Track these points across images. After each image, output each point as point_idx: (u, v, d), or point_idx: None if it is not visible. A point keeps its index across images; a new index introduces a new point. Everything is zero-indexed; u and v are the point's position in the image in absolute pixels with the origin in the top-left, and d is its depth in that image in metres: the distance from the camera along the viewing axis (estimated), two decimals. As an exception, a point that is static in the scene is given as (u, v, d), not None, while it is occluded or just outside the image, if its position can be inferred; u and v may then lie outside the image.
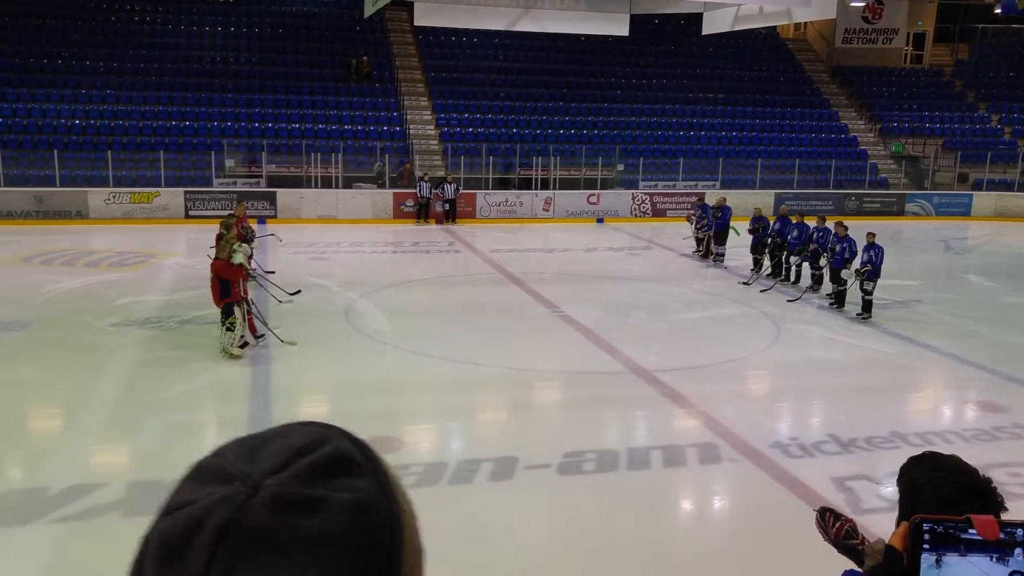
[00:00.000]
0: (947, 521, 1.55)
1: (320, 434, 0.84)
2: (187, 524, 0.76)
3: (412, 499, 0.88)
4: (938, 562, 1.57)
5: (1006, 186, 32.94)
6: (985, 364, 12.70)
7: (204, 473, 0.81)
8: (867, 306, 15.22)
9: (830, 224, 17.06)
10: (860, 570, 1.93)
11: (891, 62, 38.96)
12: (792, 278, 18.19)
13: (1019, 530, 1.56)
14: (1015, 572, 1.56)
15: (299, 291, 15.15)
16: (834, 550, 2.61)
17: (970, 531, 1.55)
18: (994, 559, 1.56)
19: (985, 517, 1.53)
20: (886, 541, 1.79)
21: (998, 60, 39.27)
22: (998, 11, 35.25)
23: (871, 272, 15.14)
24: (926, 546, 1.53)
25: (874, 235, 15.52)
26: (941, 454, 2.25)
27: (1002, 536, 1.55)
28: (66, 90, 28.42)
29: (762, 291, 17.57)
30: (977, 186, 33.19)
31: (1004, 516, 1.87)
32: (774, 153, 32.75)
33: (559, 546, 7.26)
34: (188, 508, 0.77)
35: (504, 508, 7.86)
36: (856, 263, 15.64)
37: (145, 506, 7.13)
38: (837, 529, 2.16)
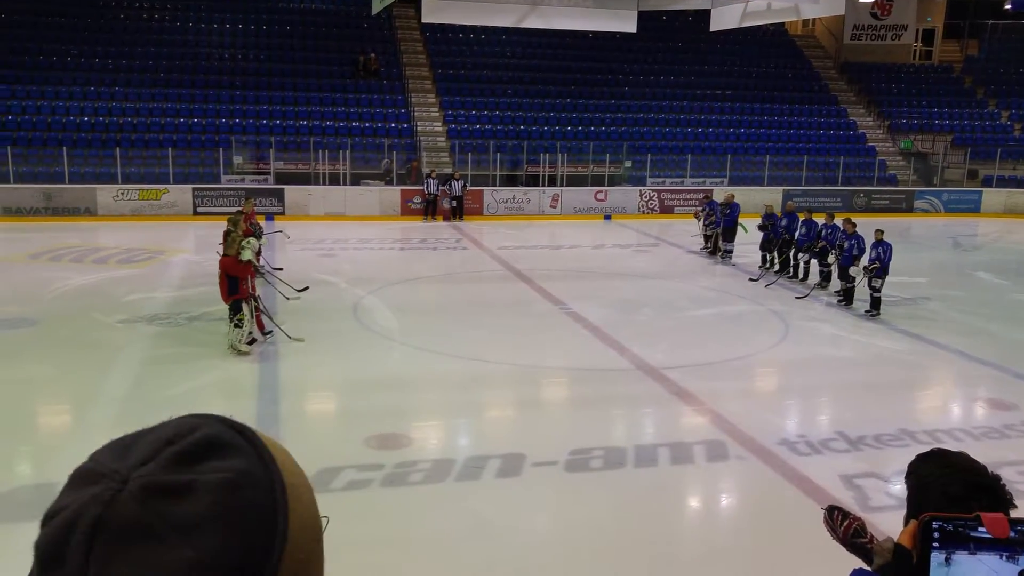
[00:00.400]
0: (957, 519, 1.54)
1: (191, 423, 0.86)
2: (61, 528, 0.77)
3: (303, 472, 0.88)
4: (947, 560, 1.56)
5: (1016, 183, 32.83)
6: (994, 361, 12.65)
7: (78, 478, 0.82)
8: (875, 303, 15.18)
9: (838, 221, 17.01)
10: (869, 569, 1.91)
11: (900, 58, 38.84)
12: (800, 275, 18.16)
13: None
14: None
15: (307, 287, 15.16)
16: (843, 548, 2.62)
17: (980, 529, 1.54)
18: (1004, 557, 1.55)
19: (995, 515, 1.53)
20: (895, 539, 1.78)
21: (1008, 56, 39.09)
22: (1008, 7, 35.15)
23: (879, 269, 15.09)
24: (935, 544, 1.53)
25: (882, 232, 15.45)
26: (949, 451, 2.24)
27: (1012, 534, 1.54)
28: (75, 87, 28.50)
29: (766, 286, 17.56)
30: (987, 183, 33.08)
31: (1013, 514, 1.86)
32: (782, 150, 32.67)
33: (566, 543, 7.25)
34: (63, 513, 0.79)
35: (511, 505, 7.85)
36: (864, 260, 15.59)
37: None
38: (845, 527, 2.15)
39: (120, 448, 0.83)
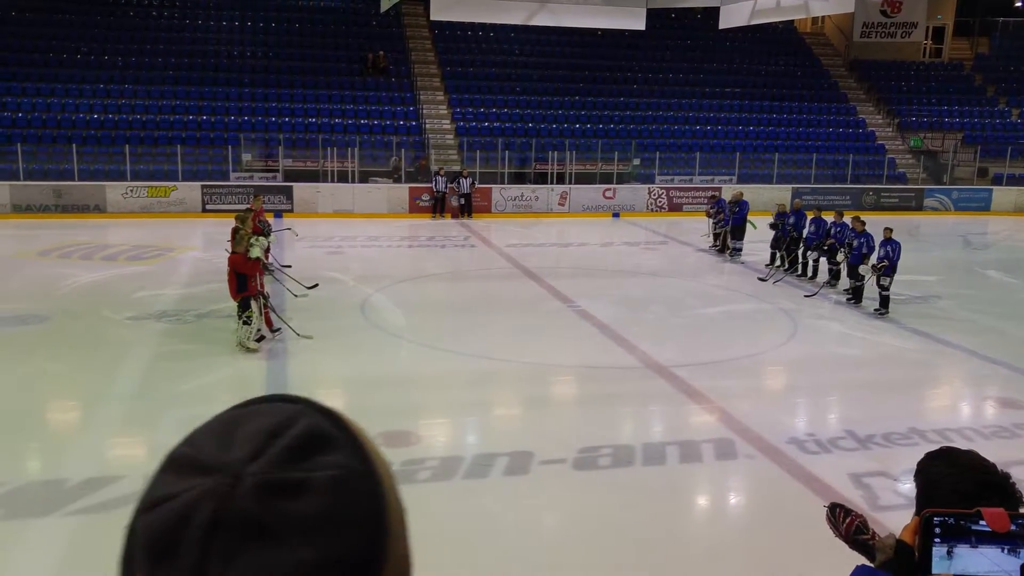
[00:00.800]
0: (957, 514, 1.55)
1: (289, 411, 0.84)
2: (173, 519, 0.76)
3: (389, 462, 0.88)
4: (949, 553, 1.57)
5: (1026, 181, 32.72)
6: (1004, 360, 12.60)
7: (180, 465, 0.80)
8: (884, 302, 15.13)
9: (847, 219, 16.97)
10: (872, 566, 1.90)
11: (910, 56, 38.69)
12: (809, 273, 18.12)
13: None
14: None
15: (316, 284, 15.18)
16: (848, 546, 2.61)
17: (981, 523, 1.55)
18: (1005, 550, 1.56)
19: (995, 509, 1.53)
20: (897, 536, 1.78)
21: (1018, 54, 38.88)
22: (1019, 4, 35.00)
23: (888, 267, 15.04)
24: (937, 539, 1.53)
25: (891, 230, 15.41)
26: (958, 449, 2.23)
27: (1013, 528, 1.55)
28: (84, 84, 28.56)
29: (774, 283, 17.54)
30: (997, 181, 32.96)
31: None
32: (791, 148, 32.58)
33: (574, 541, 7.25)
34: (170, 503, 0.77)
35: (519, 503, 7.85)
36: (873, 258, 15.55)
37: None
38: (847, 525, 2.14)
39: (222, 436, 0.82)
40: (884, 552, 1.80)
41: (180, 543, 0.74)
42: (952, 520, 1.56)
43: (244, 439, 0.80)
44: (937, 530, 1.53)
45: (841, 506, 2.34)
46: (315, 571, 0.74)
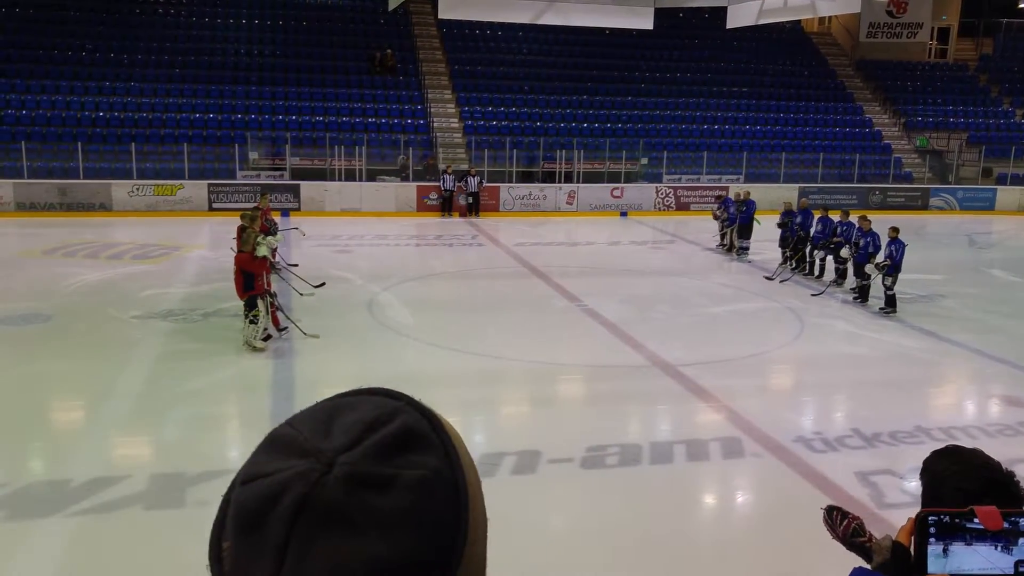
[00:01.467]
0: (952, 512, 1.56)
1: (390, 407, 0.86)
2: (265, 496, 0.78)
3: (476, 468, 0.89)
4: (944, 552, 1.58)
5: (1031, 181, 32.69)
6: (1009, 359, 12.59)
7: (281, 445, 0.83)
8: (890, 301, 15.10)
9: (854, 218, 16.94)
10: (869, 567, 1.90)
11: (915, 56, 38.67)
12: (816, 272, 18.11)
13: (1023, 520, 1.56)
14: (1020, 561, 1.57)
15: (323, 283, 15.18)
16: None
17: (974, 521, 1.55)
18: (999, 548, 1.58)
19: (988, 508, 1.55)
20: (893, 537, 1.78)
21: (1022, 55, 38.90)
22: (1022, 5, 34.92)
23: (890, 267, 15.02)
24: (932, 538, 1.55)
25: (897, 230, 15.36)
26: (964, 447, 2.23)
27: (1006, 525, 1.56)
28: (90, 82, 28.61)
29: (781, 281, 17.51)
30: (1001, 180, 32.94)
31: None
32: (798, 147, 32.55)
33: (582, 540, 7.24)
34: (265, 480, 0.80)
35: (527, 502, 7.84)
36: (879, 257, 15.53)
37: (167, 499, 7.22)
38: (844, 527, 2.15)
39: (321, 423, 0.84)
40: (881, 554, 1.81)
41: (268, 519, 0.77)
42: (947, 519, 1.57)
43: (342, 428, 0.82)
44: (932, 529, 1.55)
45: (839, 508, 2.35)
46: (388, 567, 0.76)
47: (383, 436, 0.82)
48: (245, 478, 0.82)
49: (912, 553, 1.62)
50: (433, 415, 0.88)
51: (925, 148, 34.36)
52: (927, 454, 2.26)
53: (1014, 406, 10.63)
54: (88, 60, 29.53)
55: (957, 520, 1.56)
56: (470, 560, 0.82)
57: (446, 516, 0.81)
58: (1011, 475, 2.09)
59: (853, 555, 2.63)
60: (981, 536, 1.56)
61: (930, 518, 1.53)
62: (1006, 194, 32.30)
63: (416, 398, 0.90)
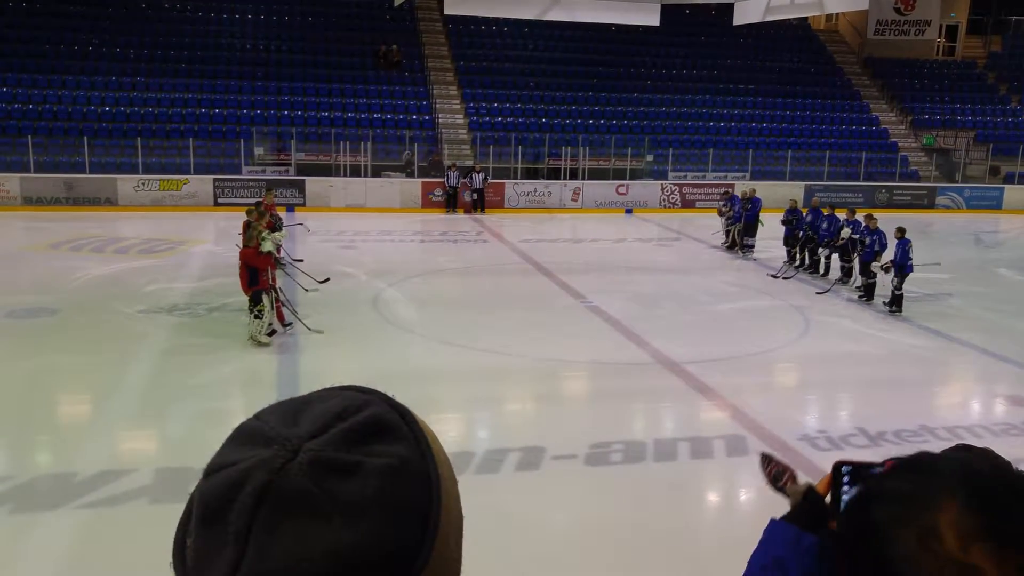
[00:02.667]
0: (864, 463, 1.57)
1: (359, 399, 0.86)
2: (227, 485, 0.78)
3: (451, 464, 0.89)
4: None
5: (1038, 180, 32.61)
6: (1016, 358, 12.56)
7: (245, 436, 0.83)
8: (897, 300, 15.08)
9: (860, 216, 16.93)
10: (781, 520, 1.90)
11: (923, 54, 38.55)
12: (821, 271, 18.09)
13: None
14: None
15: (328, 279, 15.19)
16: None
17: (883, 466, 1.55)
18: None
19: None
20: (811, 484, 1.79)
21: (1031, 53, 38.82)
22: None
23: (895, 268, 15.01)
24: (845, 486, 1.56)
25: (903, 230, 15.33)
26: (973, 447, 2.22)
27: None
28: (96, 77, 28.64)
29: (785, 278, 17.51)
30: (1009, 179, 32.85)
31: None
32: (804, 145, 32.48)
33: (585, 536, 7.25)
34: (228, 470, 0.79)
35: (531, 498, 7.85)
36: (887, 256, 15.52)
37: (172, 493, 7.23)
38: (769, 471, 2.15)
39: (289, 413, 0.84)
40: (794, 497, 1.81)
41: (230, 508, 0.76)
42: (859, 468, 1.58)
43: (310, 418, 0.82)
44: (845, 478, 1.55)
45: (770, 456, 2.35)
46: (352, 552, 0.75)
47: (351, 424, 0.81)
48: (208, 470, 0.81)
49: (825, 499, 1.63)
50: (405, 410, 0.87)
51: (932, 146, 34.28)
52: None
53: (1020, 405, 10.62)
54: (94, 55, 29.54)
55: (867, 469, 1.57)
56: (440, 558, 0.81)
57: (415, 506, 0.80)
58: (1022, 476, 2.08)
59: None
60: None
61: (844, 468, 1.54)
62: (1013, 193, 32.20)
63: (391, 394, 0.89)
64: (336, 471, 0.77)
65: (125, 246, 19.54)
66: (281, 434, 0.80)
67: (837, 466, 1.55)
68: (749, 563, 1.77)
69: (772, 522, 1.75)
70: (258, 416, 0.85)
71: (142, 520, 7.02)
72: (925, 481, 0.99)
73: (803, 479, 1.82)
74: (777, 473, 2.05)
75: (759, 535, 1.73)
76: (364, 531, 0.76)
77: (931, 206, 31.51)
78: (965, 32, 39.83)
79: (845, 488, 1.55)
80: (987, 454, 2.19)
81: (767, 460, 2.13)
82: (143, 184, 25.37)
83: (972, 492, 0.98)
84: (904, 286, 15.02)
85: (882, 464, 1.54)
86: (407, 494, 0.80)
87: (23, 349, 11.63)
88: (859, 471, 1.54)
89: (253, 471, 0.77)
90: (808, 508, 1.71)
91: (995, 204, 32.01)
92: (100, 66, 29.04)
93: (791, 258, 18.84)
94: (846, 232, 16.97)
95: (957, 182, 32.85)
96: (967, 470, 1.02)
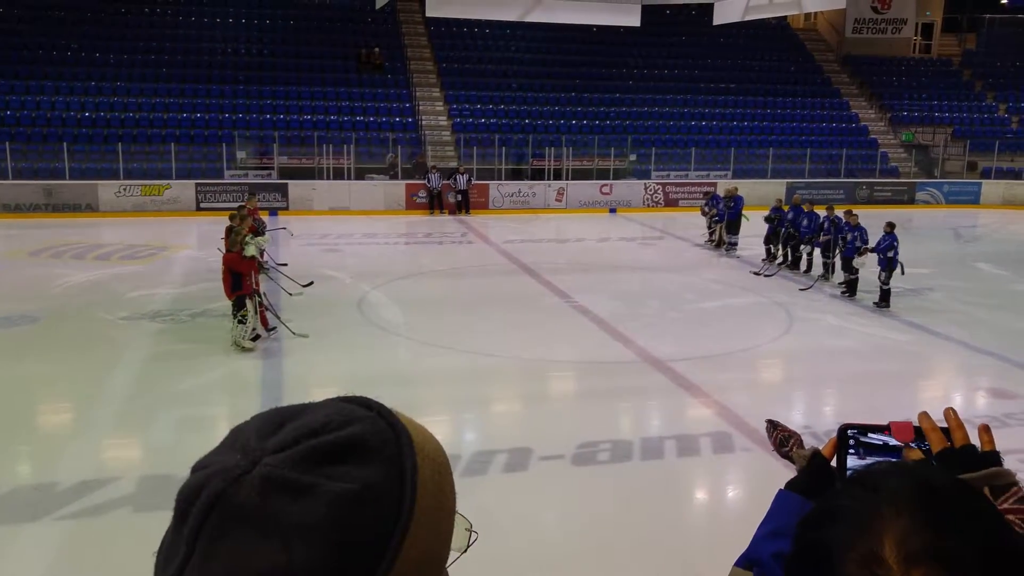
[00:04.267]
0: (870, 426, 1.57)
1: (348, 414, 0.83)
2: (194, 488, 0.78)
3: (452, 495, 0.88)
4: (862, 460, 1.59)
5: (1014, 175, 32.92)
6: (996, 351, 12.66)
7: (230, 438, 0.84)
8: (885, 296, 15.20)
9: (840, 213, 17.06)
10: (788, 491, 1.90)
11: (900, 52, 38.86)
12: (804, 267, 18.18)
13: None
14: None
15: (311, 282, 15.15)
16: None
17: (889, 435, 1.56)
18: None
19: (902, 423, 1.54)
20: (818, 449, 1.79)
21: (1005, 50, 39.27)
22: (1005, 1, 35.14)
23: (882, 260, 15.12)
24: (852, 450, 1.56)
25: (893, 225, 15.49)
26: (950, 450, 2.23)
27: (913, 443, 1.56)
28: (75, 82, 28.48)
29: (766, 276, 17.57)
30: (986, 174, 33.16)
31: None
32: (785, 142, 32.65)
33: (574, 537, 7.25)
34: (202, 472, 0.80)
35: (518, 499, 7.84)
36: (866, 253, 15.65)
37: (156, 501, 7.19)
38: (774, 437, 2.16)
39: (274, 421, 0.83)
40: (800, 461, 1.81)
41: (190, 511, 0.77)
42: (866, 431, 1.57)
43: (288, 430, 0.81)
44: (852, 442, 1.55)
45: (775, 421, 2.35)
46: None
47: (321, 442, 0.79)
48: (193, 467, 0.82)
49: (831, 464, 1.63)
50: (402, 430, 0.84)
51: (911, 143, 34.55)
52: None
53: (1001, 398, 10.70)
54: (74, 60, 29.38)
55: (872, 433, 1.57)
56: None
57: (367, 536, 0.76)
58: (980, 493, 2.09)
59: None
60: (896, 452, 1.56)
61: (850, 432, 1.55)
62: (990, 188, 32.51)
63: (396, 411, 0.86)
64: (286, 491, 0.75)
65: (106, 252, 19.42)
66: (250, 444, 0.80)
67: (843, 429, 1.55)
68: (756, 532, 1.78)
69: (780, 492, 1.76)
70: (254, 416, 0.86)
71: (126, 529, 6.97)
72: (872, 498, 0.91)
73: (809, 444, 1.83)
74: (783, 438, 2.05)
75: (747, 531, 1.73)
76: (303, 557, 0.73)
77: (911, 202, 31.74)
78: (940, 30, 40.19)
79: (851, 451, 1.55)
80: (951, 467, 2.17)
81: (773, 426, 2.14)
82: (124, 190, 25.22)
83: (922, 508, 0.89)
84: (890, 281, 15.15)
85: (886, 426, 1.55)
86: (360, 524, 0.76)
87: (4, 357, 11.54)
88: (865, 433, 1.55)
89: (213, 477, 0.77)
90: (813, 472, 1.71)
91: (973, 199, 32.29)
92: (80, 71, 28.88)
93: (771, 255, 18.93)
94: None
95: (936, 178, 33.11)
96: (921, 484, 0.92)
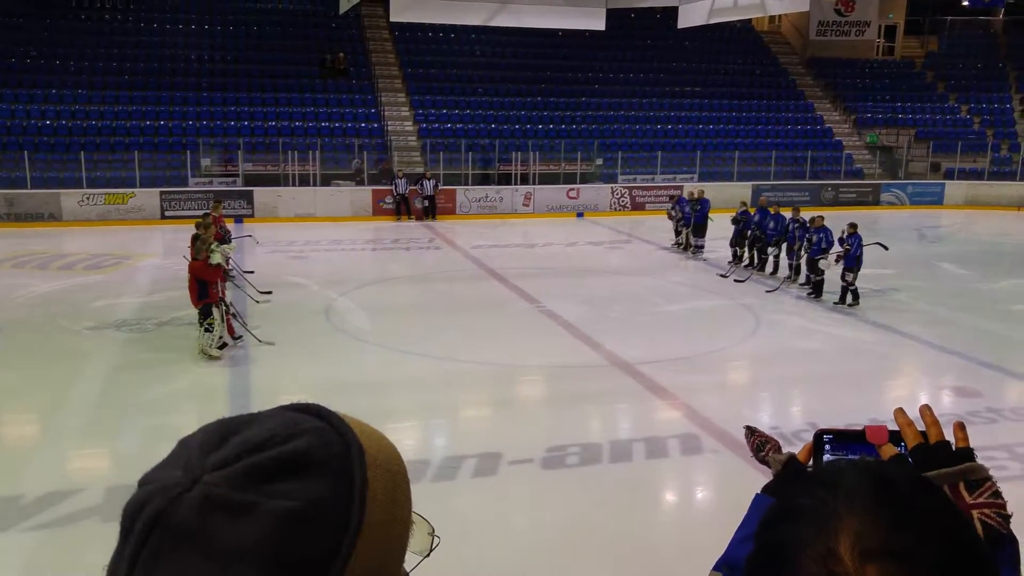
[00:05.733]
0: (845, 431, 1.59)
1: (294, 427, 0.81)
2: (137, 504, 0.77)
3: (408, 507, 0.87)
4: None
5: (976, 175, 33.35)
6: (960, 350, 12.82)
7: (175, 453, 0.82)
8: (853, 295, 15.42)
9: (806, 215, 17.21)
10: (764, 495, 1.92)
11: (864, 54, 39.28)
12: (770, 269, 18.30)
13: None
14: None
15: (270, 292, 15.08)
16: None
17: (864, 441, 1.57)
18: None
19: (877, 426, 1.56)
20: (794, 454, 1.81)
21: (967, 52, 39.77)
22: (965, 3, 35.66)
23: (849, 259, 15.29)
24: (827, 453, 1.58)
25: (855, 226, 15.69)
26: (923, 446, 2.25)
27: (890, 442, 1.57)
28: (36, 90, 28.15)
29: (737, 281, 17.66)
30: (949, 175, 33.57)
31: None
32: (751, 145, 32.88)
33: (544, 540, 7.25)
34: (145, 488, 0.78)
35: (488, 504, 7.84)
36: (833, 253, 15.78)
37: (125, 509, 7.10)
38: (752, 442, 2.18)
39: (218, 434, 0.81)
40: (775, 466, 1.83)
41: (132, 529, 0.76)
42: (841, 437, 1.59)
43: (232, 444, 0.79)
44: (827, 447, 1.57)
45: (753, 428, 2.37)
46: None
47: (263, 458, 0.77)
48: (139, 481, 0.81)
49: (806, 467, 1.65)
50: (353, 441, 0.82)
51: (875, 144, 34.93)
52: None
53: (964, 396, 10.84)
54: (34, 67, 29.02)
55: (849, 440, 1.58)
56: None
57: (309, 555, 0.75)
58: (938, 489, 2.11)
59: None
60: (869, 451, 1.58)
61: (825, 436, 1.56)
62: (954, 188, 32.92)
63: (350, 419, 0.85)
64: (225, 511, 0.74)
65: (70, 262, 19.21)
66: (192, 460, 0.78)
67: (819, 434, 1.57)
68: (733, 536, 1.79)
69: (756, 496, 1.77)
70: (202, 428, 0.83)
71: (93, 540, 6.87)
72: (829, 495, 0.90)
73: (786, 450, 1.84)
74: (760, 443, 2.07)
75: (716, 533, 1.75)
76: None
77: (876, 203, 32.09)
78: (903, 32, 40.66)
79: (827, 456, 1.57)
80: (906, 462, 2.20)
81: (751, 431, 2.15)
82: (88, 199, 24.96)
83: (879, 504, 0.88)
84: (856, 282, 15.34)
85: (861, 431, 1.56)
86: (302, 542, 0.74)
87: (-33, 369, 11.38)
88: (840, 438, 1.56)
89: (155, 495, 0.76)
90: (789, 477, 1.73)
91: (937, 200, 32.68)
92: (39, 79, 28.54)
93: (738, 258, 19.04)
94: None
95: (900, 179, 33.50)
96: (879, 481, 0.92)
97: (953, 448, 1.46)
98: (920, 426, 1.52)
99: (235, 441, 0.79)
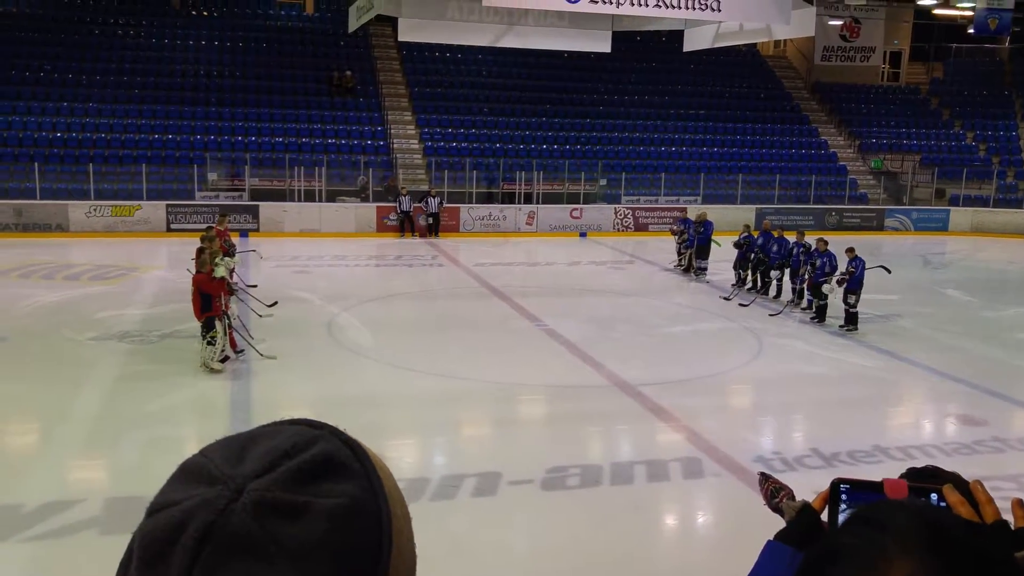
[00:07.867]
0: (863, 482, 1.57)
1: (309, 435, 0.84)
2: (170, 526, 0.76)
3: (404, 501, 0.88)
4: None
5: (982, 202, 33.34)
6: (965, 378, 12.78)
7: (190, 473, 0.81)
8: (852, 319, 15.36)
9: (810, 239, 17.20)
10: (778, 542, 1.90)
11: (869, 79, 39.37)
12: (773, 292, 18.28)
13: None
14: None
15: (275, 303, 15.09)
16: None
17: (882, 493, 1.56)
18: None
19: (896, 481, 1.54)
20: (808, 502, 1.80)
21: (971, 79, 39.84)
22: (971, 31, 35.76)
23: (852, 282, 15.27)
24: (843, 505, 1.56)
25: (853, 249, 15.69)
26: (943, 470, 2.23)
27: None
28: (47, 103, 28.28)
29: (742, 305, 17.63)
30: (954, 202, 33.55)
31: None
32: (755, 168, 32.92)
33: (543, 562, 7.23)
34: (171, 509, 0.77)
35: (487, 524, 7.82)
36: (835, 277, 15.78)
37: (123, 523, 7.08)
38: (765, 489, 2.18)
39: (234, 450, 0.82)
40: (789, 513, 1.82)
41: (172, 550, 0.74)
42: (858, 488, 1.57)
43: (256, 456, 0.80)
44: (844, 496, 1.56)
45: (766, 474, 2.36)
46: None
47: (299, 463, 0.79)
48: (151, 509, 0.79)
49: (822, 517, 1.63)
50: (356, 444, 0.85)
51: (879, 170, 34.96)
52: (886, 474, 2.26)
53: (970, 425, 10.79)
54: (46, 80, 29.16)
55: (867, 490, 1.57)
56: None
57: (364, 547, 0.78)
58: (991, 537, 2.08)
59: None
60: None
61: (842, 486, 1.55)
62: (958, 215, 32.90)
63: (341, 428, 0.87)
64: (282, 512, 0.75)
65: (76, 272, 19.25)
66: (226, 472, 0.78)
67: (835, 484, 1.55)
68: None
69: (769, 543, 1.76)
70: (203, 452, 0.83)
71: (92, 552, 6.88)
72: (878, 536, 0.88)
73: (800, 497, 1.83)
74: (774, 490, 2.06)
75: (718, 558, 1.74)
76: (309, 574, 0.74)
77: (880, 228, 32.07)
78: (908, 59, 40.78)
79: (843, 507, 1.56)
80: (956, 478, 2.18)
81: (765, 478, 2.15)
82: (95, 210, 25.04)
83: (931, 549, 0.86)
84: (858, 305, 15.31)
85: (879, 483, 1.55)
86: (357, 535, 0.78)
87: (-31, 379, 11.40)
88: (858, 488, 1.55)
89: (196, 511, 0.75)
90: (802, 525, 1.72)
91: (941, 226, 32.66)
92: (51, 92, 28.67)
93: (741, 281, 19.04)
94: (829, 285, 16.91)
95: (904, 204, 33.51)
96: (931, 524, 0.89)
97: (1012, 529, 1.39)
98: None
99: (259, 452, 0.81)
